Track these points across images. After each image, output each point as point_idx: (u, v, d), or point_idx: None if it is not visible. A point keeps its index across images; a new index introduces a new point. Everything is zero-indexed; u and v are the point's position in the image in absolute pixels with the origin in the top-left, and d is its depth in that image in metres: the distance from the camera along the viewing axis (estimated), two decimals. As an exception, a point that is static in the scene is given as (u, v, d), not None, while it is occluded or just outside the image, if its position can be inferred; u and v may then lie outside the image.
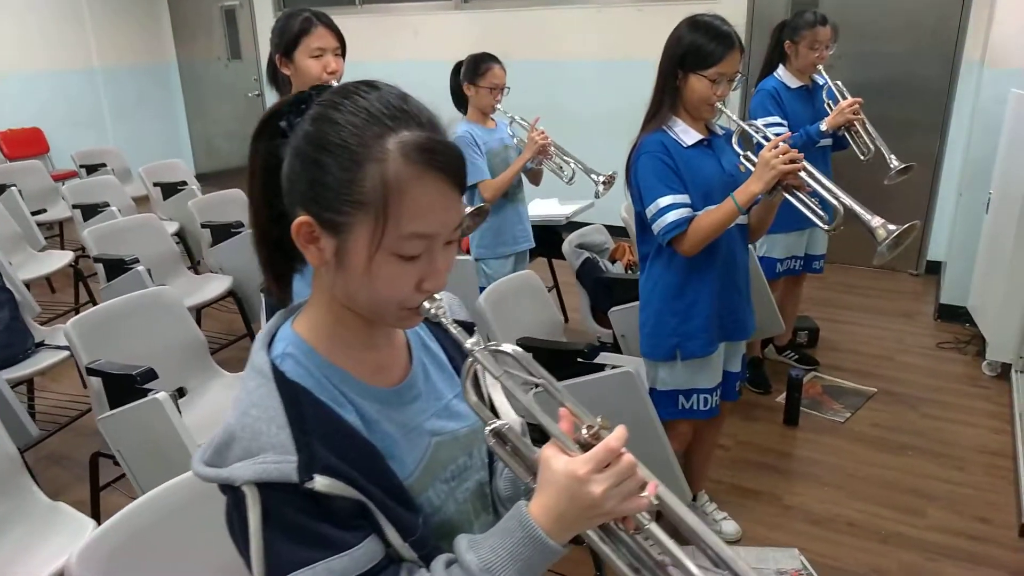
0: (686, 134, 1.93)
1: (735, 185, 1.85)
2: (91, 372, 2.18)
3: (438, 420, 0.91)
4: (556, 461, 0.76)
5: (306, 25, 1.96)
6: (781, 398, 3.18)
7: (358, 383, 0.84)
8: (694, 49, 1.85)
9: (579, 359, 2.06)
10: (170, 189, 4.62)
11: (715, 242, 1.90)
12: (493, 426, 0.82)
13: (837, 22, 4.78)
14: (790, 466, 2.87)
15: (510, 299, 2.41)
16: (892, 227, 1.72)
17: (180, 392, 2.49)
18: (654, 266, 2.04)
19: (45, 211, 4.94)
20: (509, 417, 0.84)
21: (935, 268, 4.68)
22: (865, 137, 2.92)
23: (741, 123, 1.91)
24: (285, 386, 0.78)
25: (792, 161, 1.76)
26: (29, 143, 6.55)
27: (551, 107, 5.89)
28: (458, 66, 2.99)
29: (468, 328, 0.84)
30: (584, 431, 0.79)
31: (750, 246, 2.13)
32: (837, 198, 1.77)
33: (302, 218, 0.77)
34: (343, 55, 2.06)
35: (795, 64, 3.08)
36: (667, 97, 1.92)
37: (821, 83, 3.11)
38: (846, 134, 2.98)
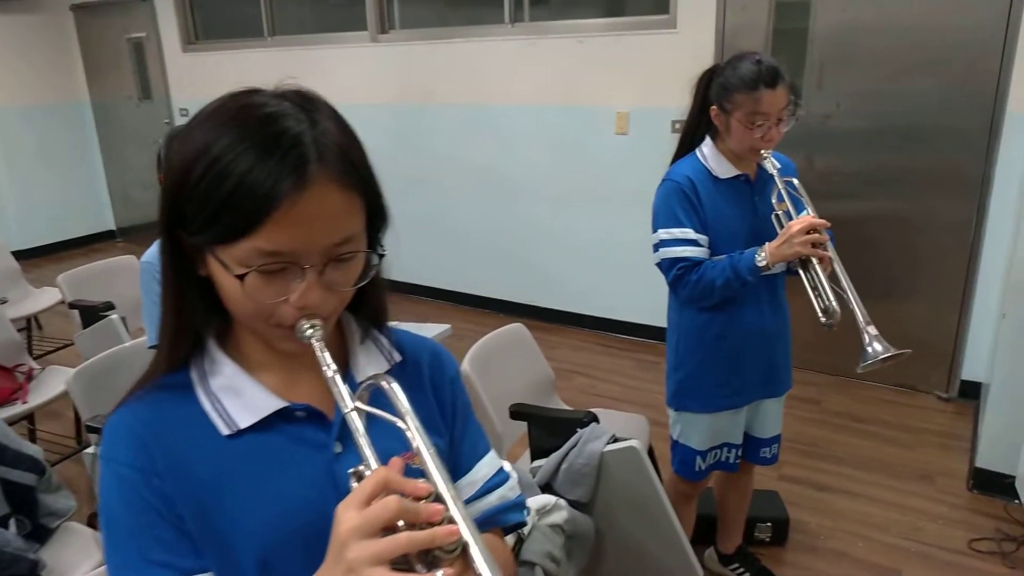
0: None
1: None
2: None
3: None
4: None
5: None
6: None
7: None
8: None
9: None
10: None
11: None
12: None
13: (848, 49, 3.50)
14: None
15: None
16: None
17: None
18: None
19: None
20: None
21: (973, 391, 3.42)
22: (827, 286, 1.70)
23: (349, 402, 0.69)
24: None
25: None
26: None
27: (481, 162, 4.78)
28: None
29: None
30: None
31: None
32: None
33: None
34: None
35: (728, 142, 1.89)
36: None
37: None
38: (800, 271, 1.78)
